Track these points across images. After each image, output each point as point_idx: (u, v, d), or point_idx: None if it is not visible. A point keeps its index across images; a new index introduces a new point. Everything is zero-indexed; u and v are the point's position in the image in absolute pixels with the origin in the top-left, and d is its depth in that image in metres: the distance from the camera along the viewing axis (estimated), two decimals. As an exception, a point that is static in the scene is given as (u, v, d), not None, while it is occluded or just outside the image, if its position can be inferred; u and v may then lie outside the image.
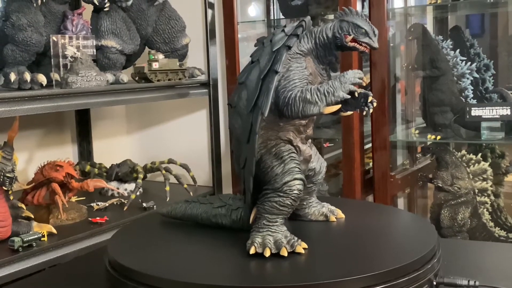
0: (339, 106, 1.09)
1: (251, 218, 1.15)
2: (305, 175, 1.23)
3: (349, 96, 1.09)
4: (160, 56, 2.25)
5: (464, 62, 2.22)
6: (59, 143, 2.64)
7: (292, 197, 1.10)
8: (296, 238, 1.10)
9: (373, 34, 1.14)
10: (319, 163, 1.26)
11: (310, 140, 1.24)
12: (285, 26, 1.17)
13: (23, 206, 1.83)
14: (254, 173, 1.11)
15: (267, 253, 1.07)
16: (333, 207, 1.31)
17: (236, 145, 1.17)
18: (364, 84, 1.12)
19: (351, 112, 1.16)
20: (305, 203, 1.29)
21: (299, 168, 1.12)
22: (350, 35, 1.14)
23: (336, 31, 1.15)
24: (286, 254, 1.07)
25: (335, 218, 1.30)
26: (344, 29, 1.14)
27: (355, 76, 1.09)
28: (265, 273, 1.05)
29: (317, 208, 1.30)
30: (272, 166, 1.13)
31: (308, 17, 1.19)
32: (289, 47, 1.12)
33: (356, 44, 1.15)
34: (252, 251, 1.08)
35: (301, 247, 1.09)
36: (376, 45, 1.15)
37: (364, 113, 1.14)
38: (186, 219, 1.33)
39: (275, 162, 1.13)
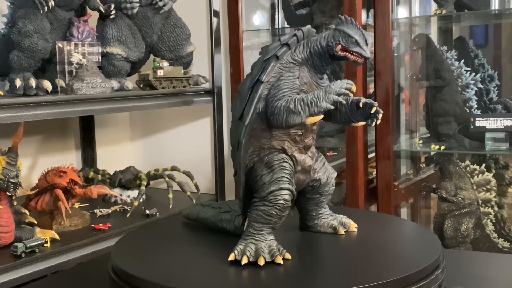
0: (321, 116, 1.07)
1: (245, 226, 1.15)
2: (310, 185, 1.22)
3: (332, 107, 1.07)
4: (165, 64, 2.26)
5: (468, 72, 2.22)
6: (63, 149, 2.64)
7: (278, 207, 1.08)
8: (280, 249, 1.09)
9: (364, 43, 1.12)
10: (326, 174, 1.24)
11: (314, 150, 1.23)
12: (284, 35, 1.16)
13: (27, 211, 1.84)
14: (243, 181, 1.12)
15: (244, 261, 1.07)
16: (347, 220, 1.29)
17: (232, 152, 1.17)
18: (351, 95, 1.09)
19: (363, 123, 1.14)
20: (314, 214, 1.27)
21: (288, 178, 1.11)
22: (340, 44, 1.13)
23: (329, 40, 1.13)
24: (262, 263, 1.06)
25: (345, 231, 1.27)
26: (335, 38, 1.13)
27: (341, 87, 1.07)
28: (246, 282, 1.06)
29: (327, 220, 1.28)
30: (262, 174, 1.12)
31: (308, 26, 1.18)
32: (277, 57, 1.11)
33: (347, 53, 1.13)
34: (231, 257, 1.08)
35: (281, 257, 1.08)
36: (367, 54, 1.13)
37: (373, 124, 1.13)
38: (199, 221, 1.35)
39: (264, 171, 1.12)
